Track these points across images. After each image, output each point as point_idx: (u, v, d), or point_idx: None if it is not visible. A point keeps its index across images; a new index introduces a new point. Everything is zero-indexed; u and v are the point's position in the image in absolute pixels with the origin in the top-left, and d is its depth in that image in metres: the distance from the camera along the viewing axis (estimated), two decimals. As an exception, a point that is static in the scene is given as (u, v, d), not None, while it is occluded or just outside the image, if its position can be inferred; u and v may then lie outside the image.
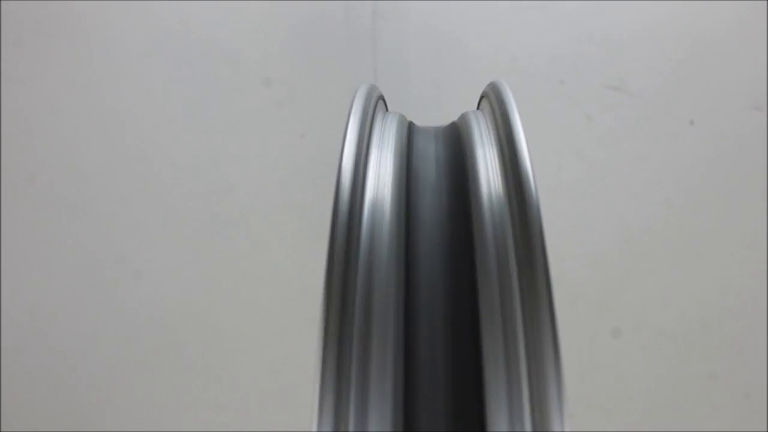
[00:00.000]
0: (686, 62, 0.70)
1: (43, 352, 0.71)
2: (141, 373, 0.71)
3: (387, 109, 0.29)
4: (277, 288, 0.72)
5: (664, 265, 0.70)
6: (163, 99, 0.72)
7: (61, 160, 0.71)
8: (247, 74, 0.72)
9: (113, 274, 0.71)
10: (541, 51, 0.71)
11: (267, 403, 0.72)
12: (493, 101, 0.24)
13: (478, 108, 0.30)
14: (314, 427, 0.15)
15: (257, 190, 0.72)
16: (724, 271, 0.70)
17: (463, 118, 0.26)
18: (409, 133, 0.25)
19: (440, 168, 0.23)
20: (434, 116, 0.37)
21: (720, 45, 0.70)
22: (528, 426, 0.16)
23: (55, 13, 0.72)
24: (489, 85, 0.27)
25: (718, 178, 0.70)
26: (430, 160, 0.23)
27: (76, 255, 0.71)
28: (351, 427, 0.16)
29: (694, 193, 0.70)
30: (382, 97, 0.28)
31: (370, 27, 0.71)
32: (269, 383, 0.72)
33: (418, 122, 0.29)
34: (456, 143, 0.24)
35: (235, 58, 0.72)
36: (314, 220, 0.71)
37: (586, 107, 0.70)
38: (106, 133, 0.72)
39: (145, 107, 0.72)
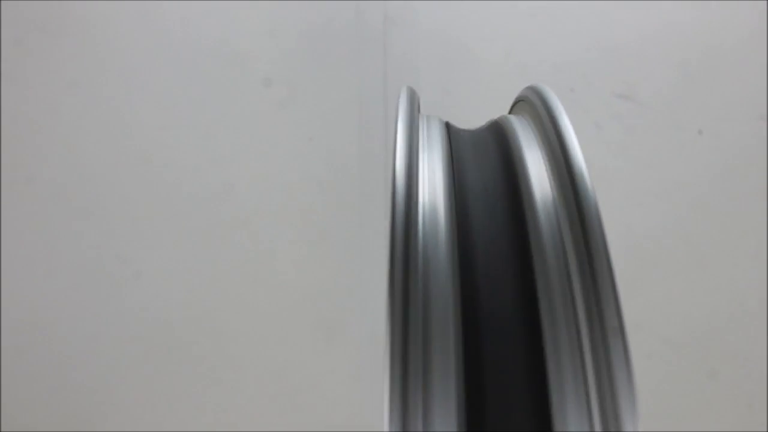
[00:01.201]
0: (696, 71, 0.71)
1: (43, 352, 0.70)
2: (142, 373, 0.71)
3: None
4: (280, 290, 0.71)
5: (670, 274, 0.70)
6: (167, 100, 0.72)
7: (61, 160, 0.71)
8: (254, 77, 0.72)
9: (114, 275, 0.71)
10: (550, 58, 0.71)
11: (268, 405, 0.72)
12: (537, 103, 0.24)
13: (510, 112, 0.30)
14: (385, 428, 0.16)
15: (263, 193, 0.71)
16: (731, 281, 0.71)
17: (503, 120, 0.26)
18: (451, 136, 0.25)
19: (488, 170, 0.23)
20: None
21: (730, 54, 0.71)
22: (597, 426, 0.16)
23: (56, 13, 0.71)
24: (528, 88, 0.27)
25: (726, 188, 0.70)
26: (478, 162, 0.23)
27: (76, 255, 0.71)
28: (420, 427, 0.16)
29: (701, 203, 0.71)
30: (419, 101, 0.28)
31: (381, 32, 0.71)
32: (272, 385, 0.71)
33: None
34: (501, 145, 0.24)
35: (243, 60, 0.72)
36: (321, 224, 0.71)
37: (595, 115, 0.70)
38: (110, 133, 0.72)
39: (150, 107, 0.72)
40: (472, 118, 0.32)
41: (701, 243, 0.71)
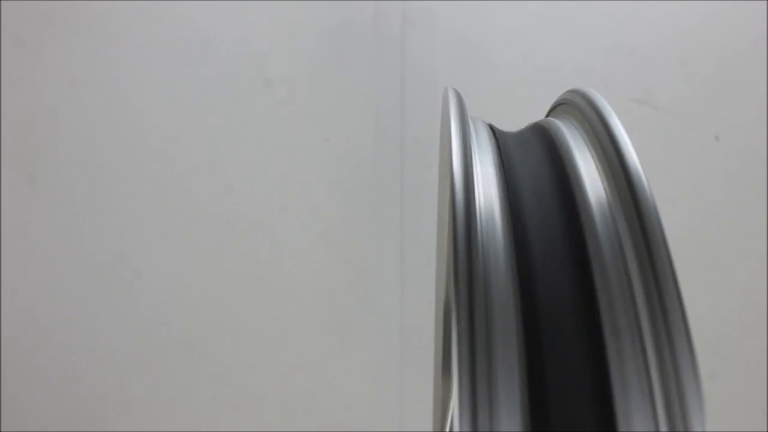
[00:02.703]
0: (712, 77, 0.71)
1: (43, 352, 0.70)
2: (147, 374, 0.71)
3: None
4: (294, 291, 0.71)
5: (685, 279, 0.70)
6: (176, 99, 0.71)
7: (61, 160, 0.71)
8: (272, 78, 0.72)
9: (115, 275, 0.71)
10: (567, 63, 0.71)
11: (280, 408, 0.71)
12: (583, 105, 0.24)
13: (547, 116, 0.30)
14: (456, 428, 0.16)
15: (279, 193, 0.71)
16: (739, 284, 0.71)
17: (548, 122, 0.26)
18: (497, 137, 0.26)
19: (538, 171, 0.23)
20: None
21: (746, 61, 0.71)
22: (664, 426, 0.16)
23: (56, 12, 0.71)
24: (571, 91, 0.27)
25: (742, 194, 0.71)
26: (527, 163, 0.23)
27: (76, 254, 0.71)
28: (486, 427, 0.16)
29: (717, 209, 0.71)
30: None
31: (399, 34, 0.71)
32: (284, 387, 0.71)
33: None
34: (548, 146, 0.24)
35: (261, 61, 0.72)
36: (336, 225, 0.71)
37: (611, 120, 0.70)
38: (114, 132, 0.71)
39: (158, 107, 0.71)
40: (491, 122, 0.32)
41: (717, 248, 0.71)
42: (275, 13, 0.72)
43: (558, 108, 0.28)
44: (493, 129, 0.27)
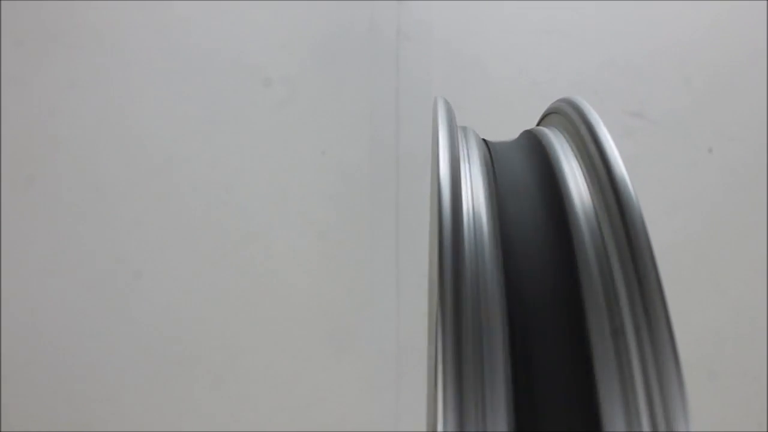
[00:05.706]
0: (706, 91, 0.72)
1: (42, 352, 0.70)
2: (140, 375, 0.70)
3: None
4: (290, 302, 0.71)
5: (677, 283, 0.70)
6: (175, 105, 0.72)
7: (62, 161, 0.71)
8: (267, 90, 0.72)
9: (114, 276, 0.71)
10: (562, 76, 0.72)
11: (277, 417, 0.71)
12: (572, 114, 0.25)
13: (538, 125, 0.31)
14: (440, 428, 0.16)
15: (275, 205, 0.72)
16: (740, 298, 0.71)
17: (537, 131, 0.27)
18: (487, 145, 0.26)
19: (528, 179, 0.23)
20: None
21: (740, 75, 0.72)
22: (646, 426, 0.16)
23: (57, 13, 0.72)
24: (561, 100, 0.27)
25: (736, 207, 0.71)
26: (517, 172, 0.24)
27: (76, 255, 0.71)
28: (474, 428, 0.16)
29: (711, 221, 0.71)
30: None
31: (394, 46, 0.71)
32: (281, 397, 0.71)
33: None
34: (538, 155, 0.24)
35: (256, 73, 0.72)
36: (332, 236, 0.71)
37: (606, 132, 0.71)
38: (113, 134, 0.72)
39: (159, 113, 0.72)
40: (484, 135, 0.32)
41: (711, 260, 0.71)
42: (270, 26, 0.72)
43: (548, 117, 0.29)
44: (484, 139, 0.27)
